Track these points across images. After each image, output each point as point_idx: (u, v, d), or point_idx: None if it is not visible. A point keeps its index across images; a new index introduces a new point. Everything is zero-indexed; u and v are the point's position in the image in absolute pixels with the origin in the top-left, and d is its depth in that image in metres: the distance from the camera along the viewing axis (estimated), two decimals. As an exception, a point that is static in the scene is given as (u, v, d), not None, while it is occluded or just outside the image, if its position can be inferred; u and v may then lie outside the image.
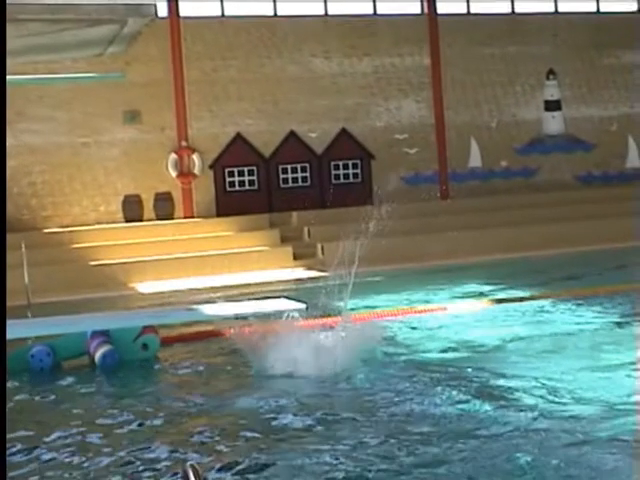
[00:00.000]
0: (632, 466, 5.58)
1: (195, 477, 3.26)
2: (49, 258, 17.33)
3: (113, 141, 20.68)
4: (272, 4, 21.97)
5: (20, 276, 12.44)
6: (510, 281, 14.81)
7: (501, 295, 13.45)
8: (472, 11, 23.49)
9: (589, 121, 24.34)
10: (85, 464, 6.26)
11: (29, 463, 6.35)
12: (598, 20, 24.39)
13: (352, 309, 10.45)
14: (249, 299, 11.91)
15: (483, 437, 6.28)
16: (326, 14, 22.36)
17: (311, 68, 22.17)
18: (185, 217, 21.07)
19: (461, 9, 23.42)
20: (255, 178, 21.78)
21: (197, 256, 18.47)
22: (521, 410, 6.90)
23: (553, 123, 24.06)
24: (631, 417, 6.52)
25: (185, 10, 21.22)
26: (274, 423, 7.01)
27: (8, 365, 8.13)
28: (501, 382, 7.85)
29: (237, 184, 21.64)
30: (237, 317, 10.16)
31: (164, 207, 21.03)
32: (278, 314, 9.31)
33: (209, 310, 10.57)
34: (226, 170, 21.55)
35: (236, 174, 21.64)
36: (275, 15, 22.01)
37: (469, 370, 8.35)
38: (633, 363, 8.19)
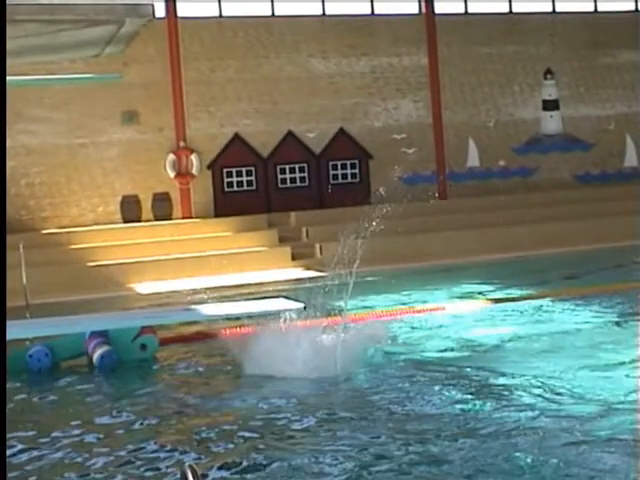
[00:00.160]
0: (631, 465, 5.57)
1: (193, 478, 3.26)
2: (47, 259, 17.30)
3: (111, 142, 20.65)
4: (270, 4, 21.96)
5: (18, 277, 12.37)
6: (509, 280, 14.84)
7: (500, 294, 13.47)
8: (470, 11, 23.48)
9: (587, 120, 24.35)
10: (84, 464, 6.26)
11: (28, 463, 6.34)
12: (595, 19, 24.40)
13: (351, 309, 10.44)
14: (247, 299, 11.90)
15: (482, 436, 6.28)
16: (324, 14, 22.35)
17: (309, 68, 22.16)
18: (183, 217, 21.05)
19: (459, 9, 23.42)
20: (253, 178, 21.77)
21: (195, 256, 18.45)
22: (520, 409, 6.90)
23: (551, 122, 24.06)
24: (630, 416, 6.53)
25: (183, 10, 21.21)
26: (273, 423, 7.00)
27: (6, 365, 8.11)
28: (500, 381, 7.86)
29: (235, 184, 21.63)
30: (236, 317, 10.16)
31: (162, 207, 21.01)
32: (276, 314, 9.30)
33: (207, 310, 10.54)
34: (224, 170, 21.53)
35: (234, 174, 21.63)
36: (273, 15, 21.99)
37: (468, 369, 8.36)
38: (632, 362, 8.19)
